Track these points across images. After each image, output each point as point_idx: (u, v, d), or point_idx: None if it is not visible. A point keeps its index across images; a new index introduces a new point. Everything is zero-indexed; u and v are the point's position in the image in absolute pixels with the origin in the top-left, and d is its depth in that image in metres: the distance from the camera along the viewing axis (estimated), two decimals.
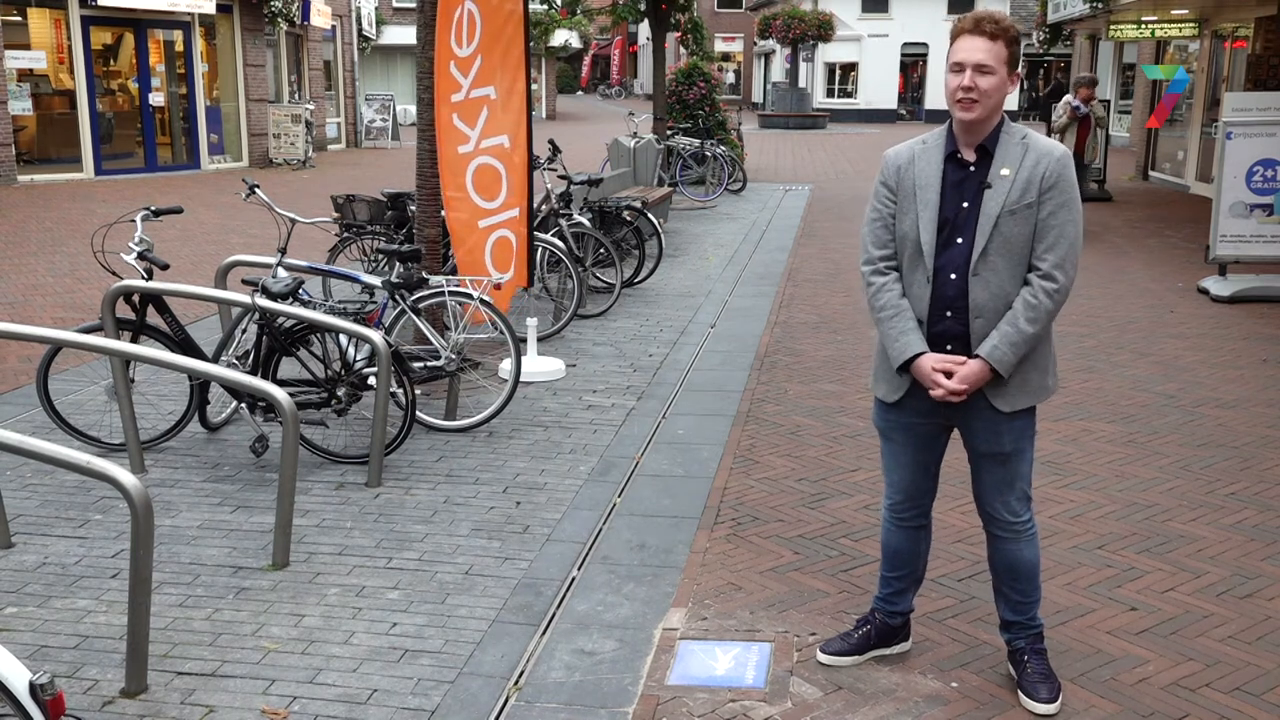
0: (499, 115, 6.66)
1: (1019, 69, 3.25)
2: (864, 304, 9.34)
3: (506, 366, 6.50)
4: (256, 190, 6.82)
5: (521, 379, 6.44)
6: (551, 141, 10.15)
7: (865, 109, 46.65)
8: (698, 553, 4.57)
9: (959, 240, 3.24)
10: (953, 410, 3.37)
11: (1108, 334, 8.46)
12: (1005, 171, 3.22)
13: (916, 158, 3.33)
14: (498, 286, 6.59)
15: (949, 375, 3.26)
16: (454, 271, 6.89)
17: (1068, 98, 13.82)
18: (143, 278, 5.63)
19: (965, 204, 3.25)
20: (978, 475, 3.49)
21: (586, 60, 67.02)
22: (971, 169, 3.27)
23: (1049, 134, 13.18)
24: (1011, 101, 49.13)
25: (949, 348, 3.29)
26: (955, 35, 3.23)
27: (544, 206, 9.40)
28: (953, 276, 3.25)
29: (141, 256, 5.65)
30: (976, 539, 4.57)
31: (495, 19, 6.55)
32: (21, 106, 18.25)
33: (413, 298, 6.09)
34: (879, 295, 3.37)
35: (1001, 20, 3.20)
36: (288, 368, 5.67)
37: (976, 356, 3.24)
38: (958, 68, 3.19)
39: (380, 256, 8.28)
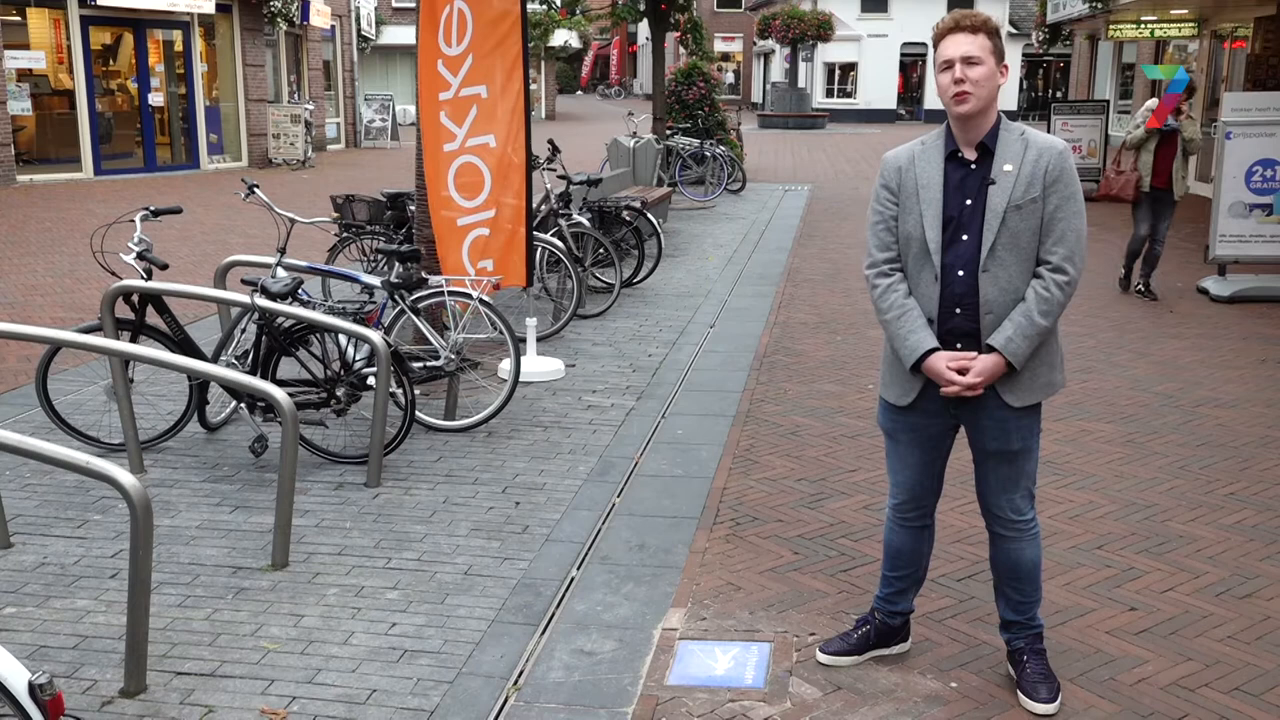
0: (489, 114, 6.63)
1: (1006, 61, 3.29)
2: (864, 304, 9.40)
3: (506, 366, 6.50)
4: (256, 190, 6.82)
5: (521, 379, 6.44)
6: (551, 141, 10.15)
7: (864, 109, 46.64)
8: (697, 553, 4.57)
9: (964, 237, 3.26)
10: (962, 408, 3.37)
11: (1107, 334, 8.46)
12: (1008, 167, 3.24)
13: (916, 158, 3.36)
14: (497, 286, 6.59)
15: (962, 372, 3.27)
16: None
17: (1150, 103, 9.98)
18: (142, 278, 5.63)
19: (968, 201, 3.27)
20: (983, 474, 3.49)
21: (587, 60, 66.99)
22: (973, 167, 3.29)
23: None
24: (1011, 101, 48.74)
25: (959, 345, 3.30)
26: (938, 39, 3.29)
27: (543, 206, 9.39)
28: (961, 273, 3.26)
29: (140, 256, 5.65)
30: (976, 539, 4.57)
31: (488, 17, 6.53)
32: (21, 106, 18.24)
33: (412, 298, 6.09)
34: (885, 296, 3.38)
35: (977, 15, 3.27)
36: (287, 368, 5.67)
37: (990, 350, 3.25)
38: (946, 65, 3.24)
39: (379, 256, 8.28)
